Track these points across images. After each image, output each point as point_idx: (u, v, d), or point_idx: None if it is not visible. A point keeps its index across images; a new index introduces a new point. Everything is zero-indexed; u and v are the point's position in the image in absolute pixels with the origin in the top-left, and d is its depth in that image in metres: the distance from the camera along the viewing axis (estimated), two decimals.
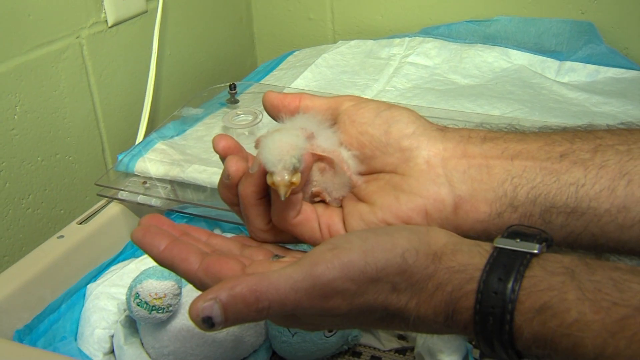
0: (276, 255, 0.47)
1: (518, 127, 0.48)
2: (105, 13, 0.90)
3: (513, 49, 1.01)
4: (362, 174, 0.47)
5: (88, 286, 0.73)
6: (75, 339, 0.71)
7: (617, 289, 0.34)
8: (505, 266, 0.37)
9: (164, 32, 1.01)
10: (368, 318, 0.41)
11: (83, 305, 0.72)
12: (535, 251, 0.38)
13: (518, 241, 0.39)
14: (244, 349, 0.71)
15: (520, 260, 0.38)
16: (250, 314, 0.37)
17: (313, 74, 1.03)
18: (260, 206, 0.46)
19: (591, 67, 0.97)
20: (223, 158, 0.48)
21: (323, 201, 0.48)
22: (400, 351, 0.75)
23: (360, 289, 0.39)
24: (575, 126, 0.46)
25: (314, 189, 0.47)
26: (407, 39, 1.08)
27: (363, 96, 0.94)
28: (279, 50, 1.20)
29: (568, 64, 0.99)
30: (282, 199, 0.43)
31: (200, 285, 0.43)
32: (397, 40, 1.08)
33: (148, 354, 0.69)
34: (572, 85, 0.95)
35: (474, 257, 0.39)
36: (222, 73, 1.17)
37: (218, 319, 0.37)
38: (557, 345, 0.35)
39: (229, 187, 0.47)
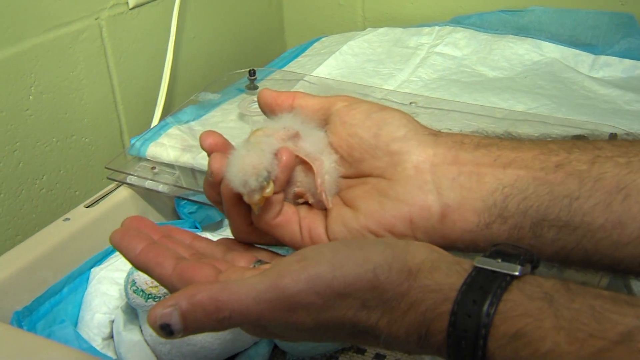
0: (259, 261, 0.45)
1: (515, 134, 0.45)
2: None
3: (546, 41, 0.97)
4: (349, 177, 0.45)
5: (92, 270, 0.73)
6: (76, 323, 0.71)
7: (595, 319, 0.32)
8: (482, 288, 0.36)
9: (188, 15, 1.00)
10: (337, 333, 0.39)
11: (86, 289, 0.72)
12: (516, 273, 0.36)
13: (499, 261, 0.37)
14: (244, 341, 0.70)
15: (498, 282, 0.36)
16: (210, 323, 0.36)
17: (337, 62, 1.01)
18: (242, 206, 0.45)
19: (628, 62, 0.93)
20: (209, 155, 0.47)
21: (308, 203, 0.47)
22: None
23: (326, 304, 0.37)
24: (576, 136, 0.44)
25: (296, 190, 0.46)
26: (436, 28, 1.04)
27: (385, 86, 0.92)
28: (308, 35, 1.18)
29: (603, 58, 0.94)
30: (256, 213, 0.43)
31: (173, 291, 0.41)
32: (426, 29, 1.05)
33: (146, 341, 0.69)
34: (606, 81, 0.90)
35: (451, 276, 0.37)
36: (249, 58, 1.15)
37: (177, 327, 0.36)
38: None
39: (212, 185, 0.46)
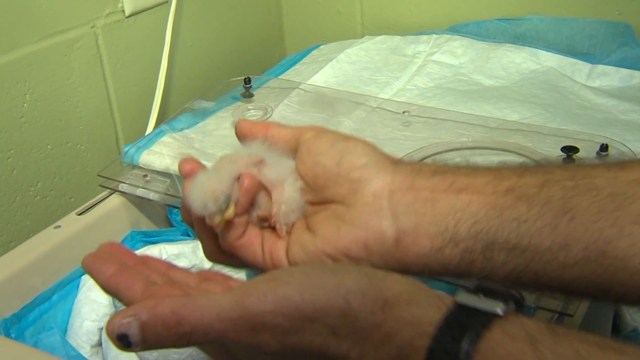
0: None
1: (472, 163, 0.47)
2: (122, 3, 0.90)
3: (543, 49, 0.96)
4: (314, 203, 0.47)
5: (82, 277, 0.73)
6: (65, 330, 0.71)
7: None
8: (462, 325, 0.35)
9: (186, 23, 1.00)
10: None
11: (76, 297, 0.73)
12: (499, 311, 0.36)
13: (481, 297, 0.36)
14: None
15: (479, 320, 0.35)
16: (170, 337, 0.36)
17: (333, 70, 1.01)
18: (209, 228, 0.45)
19: (625, 72, 0.92)
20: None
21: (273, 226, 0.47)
22: None
23: (293, 327, 0.36)
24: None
25: (260, 214, 0.46)
26: (434, 36, 1.04)
27: (381, 95, 0.91)
28: (308, 43, 1.18)
29: (600, 67, 0.93)
30: (219, 234, 0.45)
31: None
32: (424, 37, 1.05)
33: None
34: (602, 91, 0.90)
35: (429, 309, 0.36)
36: (247, 65, 1.15)
37: (135, 338, 0.35)
38: None
39: (185, 208, 0.47)
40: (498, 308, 0.36)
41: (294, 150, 0.48)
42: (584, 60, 0.94)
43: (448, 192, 0.43)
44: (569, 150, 0.69)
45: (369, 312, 0.36)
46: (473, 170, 0.44)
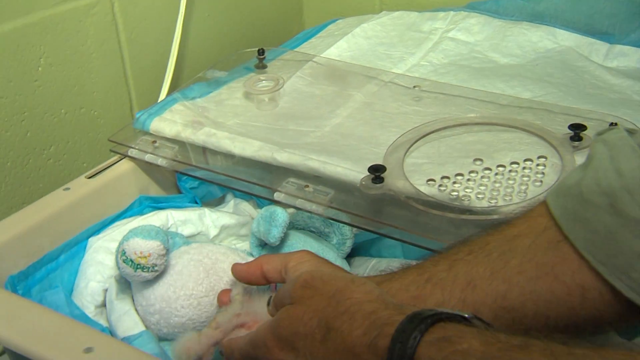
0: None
1: (405, 264, 0.56)
2: None
3: (561, 28, 0.95)
4: None
5: (89, 239, 0.75)
6: (71, 290, 0.73)
7: (506, 335, 0.39)
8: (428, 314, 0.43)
9: None
10: None
11: (83, 258, 0.74)
12: (466, 315, 0.43)
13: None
14: None
15: (447, 314, 0.43)
16: None
17: (348, 44, 1.00)
18: None
19: None
20: None
21: None
22: None
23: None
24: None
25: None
26: (451, 12, 1.03)
27: (395, 70, 0.91)
28: (326, 17, 1.17)
29: (618, 47, 0.92)
30: None
31: None
32: (441, 14, 1.04)
33: (136, 310, 0.70)
34: (619, 71, 0.89)
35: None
36: (265, 38, 1.16)
37: None
38: None
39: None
40: (465, 314, 0.43)
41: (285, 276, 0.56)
42: (602, 40, 0.93)
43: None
44: (577, 127, 0.69)
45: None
46: (403, 272, 0.54)
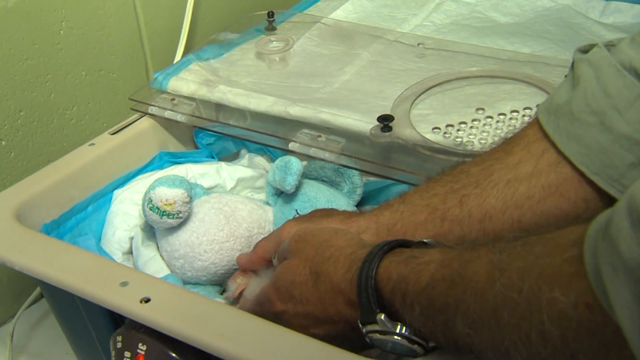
0: None
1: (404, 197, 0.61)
2: None
3: None
4: None
5: (115, 192, 0.79)
6: (99, 239, 0.77)
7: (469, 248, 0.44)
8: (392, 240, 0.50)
9: None
10: None
11: (109, 209, 0.79)
12: (426, 240, 0.49)
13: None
14: None
15: (410, 241, 0.50)
16: None
17: (354, 6, 1.04)
18: None
19: (639, 8, 0.94)
20: None
21: None
22: None
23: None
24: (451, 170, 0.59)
25: None
26: None
27: (398, 30, 0.95)
28: None
29: (614, 4, 0.96)
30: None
31: None
32: None
33: (162, 256, 0.75)
34: (614, 27, 0.92)
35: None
36: (275, 1, 1.19)
37: None
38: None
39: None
40: (426, 240, 0.50)
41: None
42: None
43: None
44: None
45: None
46: (412, 207, 0.58)
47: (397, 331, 0.46)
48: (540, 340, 0.35)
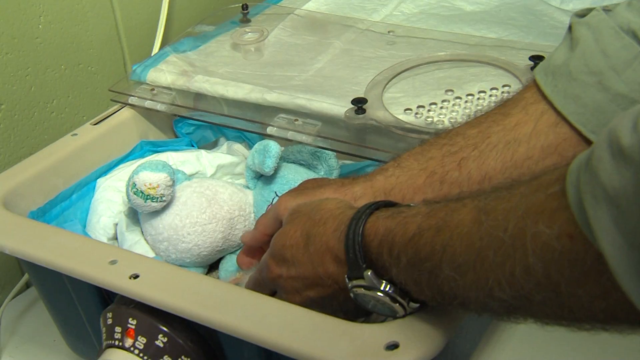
0: None
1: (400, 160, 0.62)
2: None
3: None
4: None
5: (98, 180, 0.81)
6: (85, 226, 0.79)
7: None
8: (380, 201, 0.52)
9: None
10: None
11: (93, 197, 0.81)
12: (412, 204, 0.50)
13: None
14: (233, 240, 0.78)
15: (397, 203, 0.52)
16: None
17: None
18: None
19: None
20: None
21: None
22: None
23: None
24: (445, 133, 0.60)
25: None
26: None
27: (369, 19, 0.98)
28: None
29: None
30: None
31: None
32: None
33: (146, 240, 0.77)
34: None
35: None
36: None
37: None
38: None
39: None
40: (412, 204, 0.50)
41: None
42: None
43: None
44: (536, 58, 0.77)
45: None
46: (408, 172, 0.59)
47: (382, 288, 0.48)
48: (524, 275, 0.37)
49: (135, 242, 0.77)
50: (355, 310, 0.54)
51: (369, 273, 0.48)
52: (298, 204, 0.59)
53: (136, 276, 0.59)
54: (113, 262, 0.61)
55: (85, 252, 0.62)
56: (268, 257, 0.59)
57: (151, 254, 0.76)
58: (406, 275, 0.46)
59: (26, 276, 0.87)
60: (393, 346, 0.49)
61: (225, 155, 0.87)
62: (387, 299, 0.49)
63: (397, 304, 0.49)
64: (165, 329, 0.59)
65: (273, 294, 0.59)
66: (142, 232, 0.78)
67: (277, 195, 0.78)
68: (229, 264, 0.78)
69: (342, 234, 0.51)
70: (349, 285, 0.50)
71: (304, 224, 0.56)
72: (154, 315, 0.59)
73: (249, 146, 0.91)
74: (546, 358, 0.71)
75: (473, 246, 0.40)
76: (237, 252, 0.79)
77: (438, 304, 0.47)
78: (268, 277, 0.59)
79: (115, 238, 0.79)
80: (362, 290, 0.49)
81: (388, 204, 0.51)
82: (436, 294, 0.45)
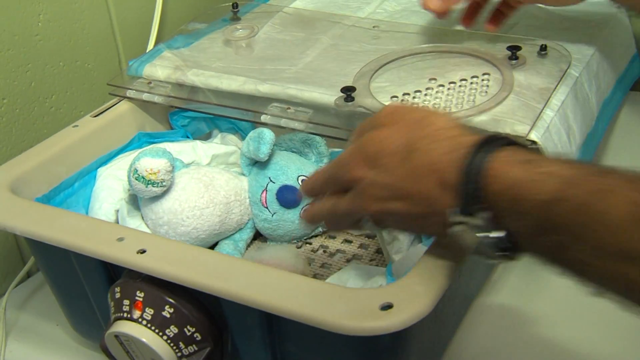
0: None
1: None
2: None
3: None
4: None
5: (98, 169, 0.85)
6: (87, 213, 0.83)
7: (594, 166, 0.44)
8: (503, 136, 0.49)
9: None
10: None
11: (94, 185, 0.84)
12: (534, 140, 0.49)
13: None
14: (230, 224, 0.82)
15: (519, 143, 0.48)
16: None
17: None
18: None
19: None
20: None
21: None
22: (370, 236, 0.85)
23: None
24: None
25: None
26: None
27: (355, 16, 1.02)
28: None
29: None
30: None
31: None
32: None
33: (147, 224, 0.81)
34: (547, 9, 1.02)
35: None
36: None
37: None
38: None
39: None
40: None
41: None
42: None
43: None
44: (513, 48, 0.82)
45: None
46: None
47: (496, 235, 0.45)
48: None
49: (136, 227, 0.80)
50: (432, 237, 0.53)
51: (487, 215, 0.45)
52: (396, 106, 0.55)
53: (143, 251, 0.62)
54: (120, 239, 0.64)
55: (93, 230, 0.66)
56: (355, 155, 0.54)
57: None
58: (526, 233, 0.44)
59: (28, 265, 0.91)
60: (387, 306, 0.53)
61: (219, 146, 0.91)
62: (494, 248, 0.46)
63: (503, 254, 0.46)
64: (171, 300, 0.62)
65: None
66: (143, 217, 0.82)
67: (271, 180, 0.82)
68: (224, 249, 0.82)
69: (461, 161, 0.46)
70: (452, 219, 0.47)
71: (407, 133, 0.51)
72: (160, 288, 0.62)
73: (242, 137, 0.95)
74: (531, 316, 0.75)
75: (623, 245, 0.37)
76: (232, 236, 0.84)
77: (548, 265, 0.45)
78: (346, 176, 0.54)
79: (116, 223, 0.82)
80: (464, 227, 0.46)
81: (511, 143, 0.47)
82: (556, 261, 0.43)
